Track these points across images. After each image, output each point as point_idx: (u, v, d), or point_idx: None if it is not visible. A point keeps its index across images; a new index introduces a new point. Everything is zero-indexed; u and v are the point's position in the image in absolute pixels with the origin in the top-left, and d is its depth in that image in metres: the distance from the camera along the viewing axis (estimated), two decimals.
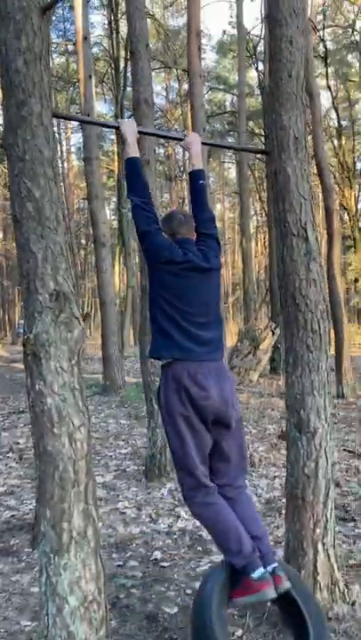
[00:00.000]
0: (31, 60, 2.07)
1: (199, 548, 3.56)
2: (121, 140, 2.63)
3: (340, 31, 23.83)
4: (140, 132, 2.61)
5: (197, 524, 3.92)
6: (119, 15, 15.26)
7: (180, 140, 2.77)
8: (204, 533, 3.76)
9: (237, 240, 27.10)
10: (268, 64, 2.85)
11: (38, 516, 1.99)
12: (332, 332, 10.44)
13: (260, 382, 11.24)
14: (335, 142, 25.71)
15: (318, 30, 19.89)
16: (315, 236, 2.76)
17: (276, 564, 2.30)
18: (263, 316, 22.42)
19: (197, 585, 3.04)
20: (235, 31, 21.63)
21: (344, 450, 5.85)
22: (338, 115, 25.79)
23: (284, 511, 4.09)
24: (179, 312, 2.45)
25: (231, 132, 24.27)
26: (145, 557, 3.43)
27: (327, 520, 2.62)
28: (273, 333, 11.72)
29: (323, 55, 21.86)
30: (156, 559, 3.42)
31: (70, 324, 2.02)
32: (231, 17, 21.07)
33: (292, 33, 2.76)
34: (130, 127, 2.55)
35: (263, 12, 10.85)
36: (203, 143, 2.78)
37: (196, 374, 2.37)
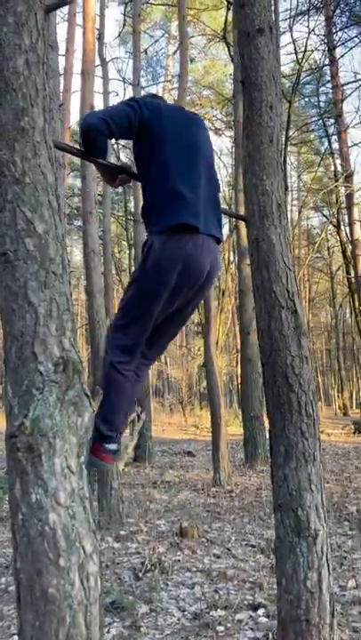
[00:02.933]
0: (34, 63, 1.61)
1: None
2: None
3: None
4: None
5: None
6: None
7: None
8: None
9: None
10: (245, 129, 2.68)
11: None
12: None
13: (127, 471, 10.56)
14: None
15: None
16: (302, 310, 2.53)
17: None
18: None
19: None
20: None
21: (246, 545, 5.48)
22: None
23: (220, 628, 3.57)
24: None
25: None
26: None
27: None
28: (139, 418, 11.25)
29: None
30: None
31: (80, 404, 1.47)
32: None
33: (272, 99, 2.65)
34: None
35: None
36: None
37: (202, 246, 2.24)
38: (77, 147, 2.45)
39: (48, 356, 1.44)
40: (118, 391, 2.25)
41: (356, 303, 17.63)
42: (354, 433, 16.17)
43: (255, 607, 3.81)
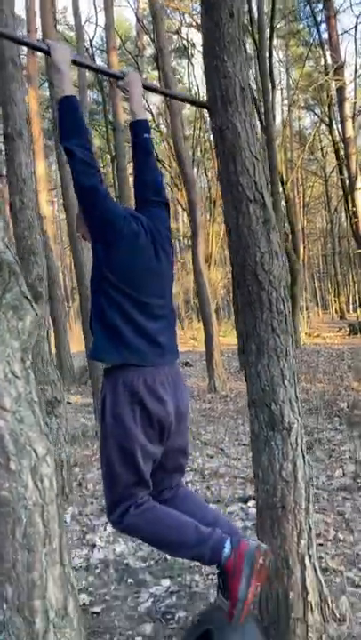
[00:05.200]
0: None
1: (131, 581, 3.01)
2: (52, 71, 2.01)
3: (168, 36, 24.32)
4: (73, 62, 2.02)
5: (118, 550, 3.38)
6: None
7: (119, 78, 2.23)
8: (131, 561, 3.22)
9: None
10: (203, 3, 2.42)
11: None
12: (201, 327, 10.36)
13: None
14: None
15: (148, 33, 20.02)
16: (271, 203, 2.41)
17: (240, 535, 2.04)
18: None
19: (147, 628, 2.53)
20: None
21: (239, 444, 5.66)
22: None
23: None
24: (132, 302, 1.97)
25: None
26: None
27: (310, 528, 2.27)
28: None
29: (154, 58, 22.10)
30: (83, 604, 2.80)
31: (20, 308, 1.39)
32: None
33: None
34: (63, 53, 1.95)
35: None
36: (143, 86, 2.27)
37: (154, 384, 1.95)
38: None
39: None
40: (160, 520, 1.92)
41: (350, 205, 17.24)
42: (349, 335, 16.39)
43: (245, 500, 3.97)
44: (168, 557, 3.23)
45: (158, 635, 2.50)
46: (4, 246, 1.40)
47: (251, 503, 3.93)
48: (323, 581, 2.28)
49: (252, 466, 2.37)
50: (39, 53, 11.33)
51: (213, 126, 2.43)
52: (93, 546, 3.42)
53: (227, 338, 17.19)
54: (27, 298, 1.41)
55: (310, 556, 2.24)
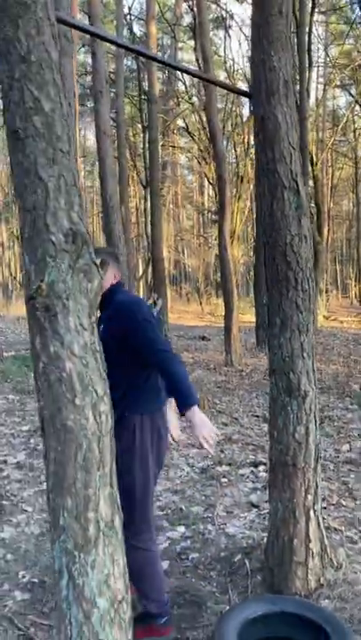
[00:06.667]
0: None
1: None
2: None
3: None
4: None
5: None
6: None
7: None
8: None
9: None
10: (254, 0, 2.59)
11: (53, 507, 1.62)
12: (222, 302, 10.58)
13: None
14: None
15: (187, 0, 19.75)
16: (305, 190, 2.62)
17: None
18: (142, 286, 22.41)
19: (164, 564, 2.84)
20: None
21: (252, 415, 5.95)
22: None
23: (224, 480, 4.04)
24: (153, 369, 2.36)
25: None
26: None
27: (317, 486, 2.55)
28: (155, 304, 11.59)
29: (191, 28, 21.83)
30: None
31: (90, 272, 1.65)
32: None
33: None
34: None
35: None
36: (172, 66, 2.45)
37: (162, 419, 2.38)
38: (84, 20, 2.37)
39: (59, 228, 1.60)
40: (155, 567, 2.33)
41: None
42: None
43: (256, 464, 4.27)
44: (183, 507, 3.55)
45: (174, 570, 2.83)
46: (78, 218, 1.64)
47: (261, 468, 4.22)
48: (324, 533, 2.56)
49: (268, 427, 2.64)
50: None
51: (255, 114, 2.63)
52: None
53: (247, 315, 17.38)
54: (95, 263, 1.66)
55: (315, 510, 2.52)
